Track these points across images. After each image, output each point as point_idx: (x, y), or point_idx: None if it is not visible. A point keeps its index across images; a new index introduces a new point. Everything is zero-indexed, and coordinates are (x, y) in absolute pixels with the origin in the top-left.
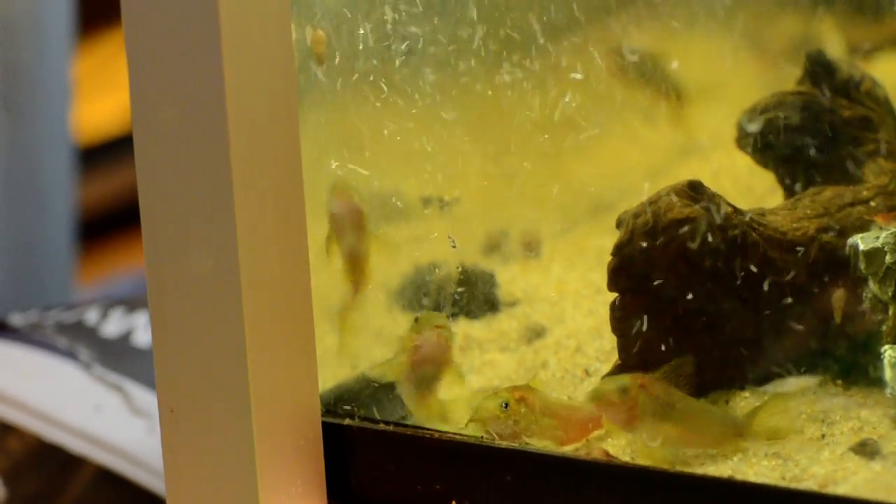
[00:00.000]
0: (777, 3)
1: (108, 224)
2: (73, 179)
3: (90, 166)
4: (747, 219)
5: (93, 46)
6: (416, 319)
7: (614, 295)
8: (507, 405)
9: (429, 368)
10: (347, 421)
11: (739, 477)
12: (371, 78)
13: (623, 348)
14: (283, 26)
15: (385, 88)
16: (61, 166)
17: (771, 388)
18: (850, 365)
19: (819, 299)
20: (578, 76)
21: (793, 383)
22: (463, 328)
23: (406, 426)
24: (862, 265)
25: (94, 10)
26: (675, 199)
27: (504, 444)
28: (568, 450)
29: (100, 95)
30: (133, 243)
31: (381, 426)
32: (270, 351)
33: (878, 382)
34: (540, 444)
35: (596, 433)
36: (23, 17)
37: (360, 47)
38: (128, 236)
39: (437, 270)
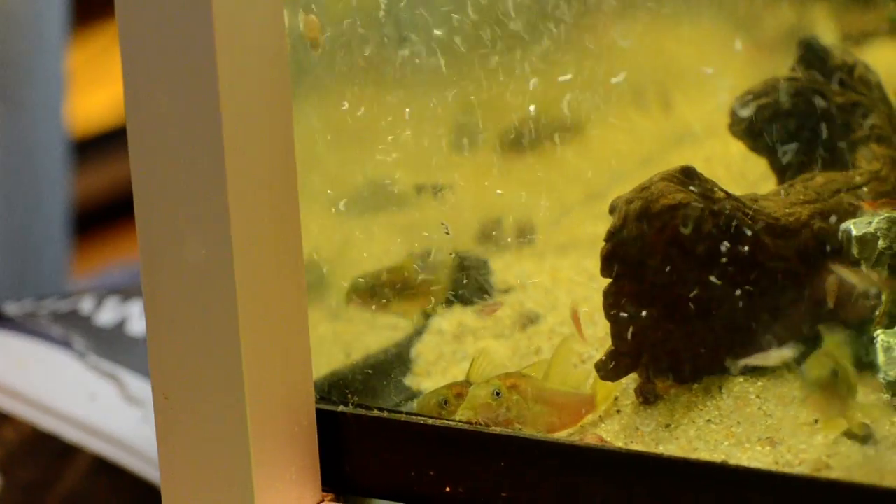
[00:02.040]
0: None
1: (103, 216)
2: (67, 171)
3: (85, 158)
4: (740, 204)
5: (87, 39)
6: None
7: (608, 281)
8: (498, 393)
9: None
10: (341, 408)
11: (732, 462)
12: (364, 64)
13: (616, 334)
14: (276, 12)
15: (377, 74)
16: (56, 158)
17: (752, 361)
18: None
19: (812, 285)
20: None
21: (774, 356)
22: (457, 315)
23: (400, 413)
24: (855, 250)
25: (88, 3)
26: (668, 184)
27: (498, 430)
28: (562, 435)
29: (94, 88)
30: (127, 235)
31: (376, 413)
32: (264, 338)
33: (870, 367)
34: (533, 430)
35: (589, 417)
36: (17, 10)
37: (353, 33)
38: (122, 228)
39: (430, 257)
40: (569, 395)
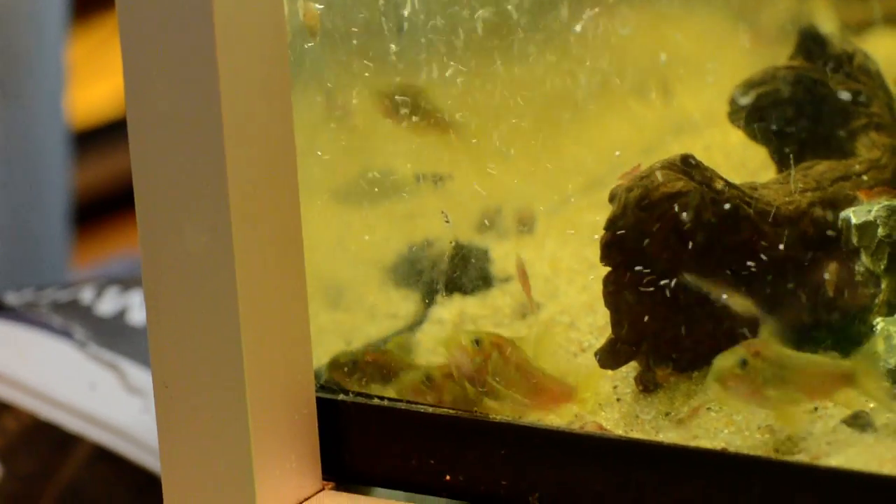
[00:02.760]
0: None
1: (103, 207)
2: (68, 162)
3: (85, 149)
4: (739, 193)
5: (87, 31)
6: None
7: (607, 269)
8: (478, 342)
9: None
10: (342, 396)
11: (732, 449)
12: (364, 52)
13: (616, 323)
14: (276, 1)
15: (378, 63)
16: (56, 150)
17: None
18: (842, 338)
19: (811, 273)
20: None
21: None
22: (457, 304)
23: (400, 401)
24: (854, 238)
25: None
26: (667, 172)
27: (499, 418)
28: (562, 424)
29: (94, 80)
30: (127, 227)
31: (376, 401)
32: (264, 327)
33: (870, 355)
34: (503, 400)
35: (566, 408)
36: (18, 3)
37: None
38: (122, 219)
39: (430, 246)
40: (554, 379)
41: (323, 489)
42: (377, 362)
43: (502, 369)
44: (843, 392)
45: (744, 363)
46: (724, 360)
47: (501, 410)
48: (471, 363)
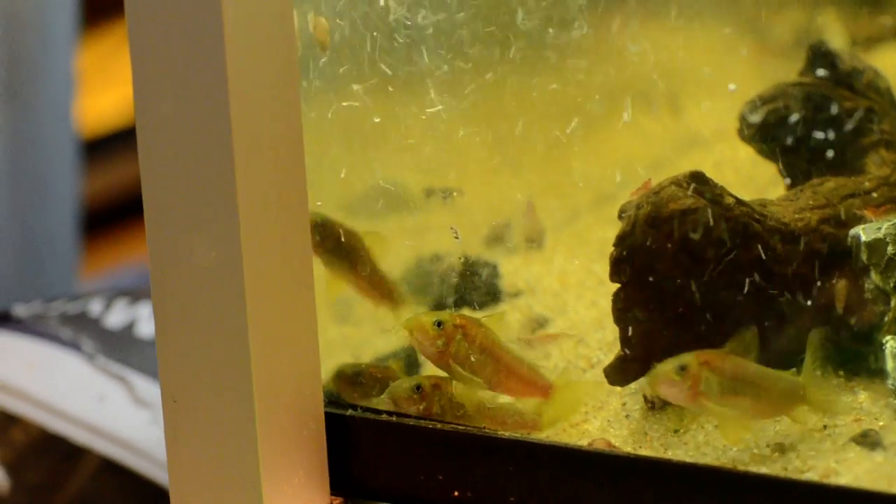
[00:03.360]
0: None
1: (112, 216)
2: (76, 171)
3: (94, 159)
4: (749, 210)
5: (96, 39)
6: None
7: (616, 286)
8: (440, 324)
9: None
10: (350, 412)
11: (741, 468)
12: (372, 67)
13: (625, 339)
14: (286, 14)
15: (386, 78)
16: (65, 158)
17: None
18: (851, 355)
19: (821, 290)
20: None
21: None
22: None
23: (409, 417)
24: (864, 256)
25: (98, 3)
26: (677, 189)
27: (507, 434)
28: (570, 440)
29: (103, 88)
30: (136, 236)
31: (384, 417)
32: (273, 341)
33: (879, 373)
34: (468, 383)
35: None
36: (27, 10)
37: (362, 36)
38: (131, 228)
39: (440, 261)
40: (529, 367)
41: None
42: (372, 374)
43: (465, 350)
44: (801, 409)
45: (681, 369)
46: (665, 365)
47: (468, 395)
48: (432, 346)
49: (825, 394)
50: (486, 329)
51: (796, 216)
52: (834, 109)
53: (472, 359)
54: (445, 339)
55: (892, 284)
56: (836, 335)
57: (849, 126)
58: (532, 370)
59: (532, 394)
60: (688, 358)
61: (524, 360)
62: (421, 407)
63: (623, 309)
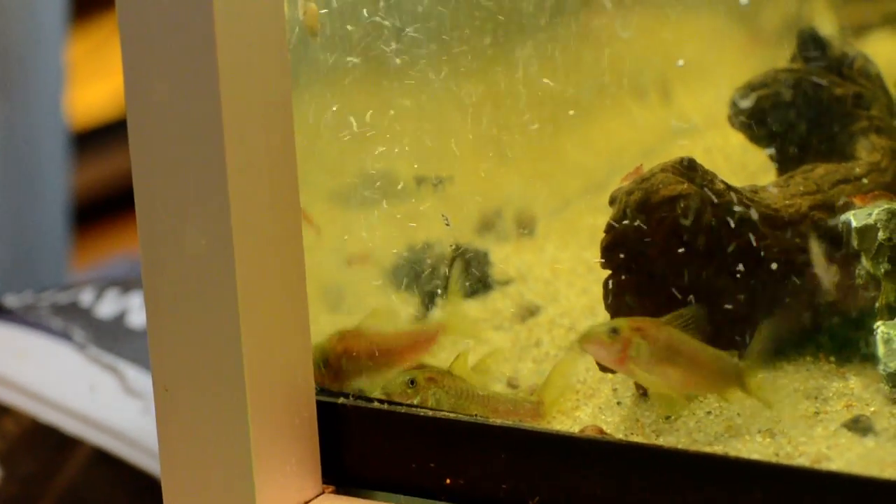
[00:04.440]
0: None
1: (102, 208)
2: (67, 163)
3: (84, 150)
4: (740, 196)
5: (86, 31)
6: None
7: (607, 273)
8: (413, 382)
9: None
10: (342, 400)
11: (733, 453)
12: (364, 55)
13: None
14: (276, 1)
15: (378, 66)
16: (55, 150)
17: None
18: (842, 341)
19: (811, 276)
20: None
21: None
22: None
23: (400, 405)
24: (855, 241)
25: None
26: (668, 175)
27: (499, 422)
28: (562, 428)
29: (93, 80)
30: (126, 226)
31: (376, 405)
32: (265, 330)
33: (870, 358)
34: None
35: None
36: (16, 2)
37: (355, 24)
38: (122, 220)
39: (430, 249)
40: (509, 401)
41: (323, 493)
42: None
43: (445, 401)
44: (733, 390)
45: (613, 331)
46: (598, 326)
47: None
48: (411, 401)
49: (761, 381)
50: (456, 377)
51: (787, 202)
52: (824, 95)
53: (456, 406)
54: (421, 394)
55: (882, 270)
56: (826, 321)
57: (839, 112)
58: (519, 401)
59: (535, 418)
60: (621, 322)
61: (507, 396)
62: (416, 401)
63: (614, 295)
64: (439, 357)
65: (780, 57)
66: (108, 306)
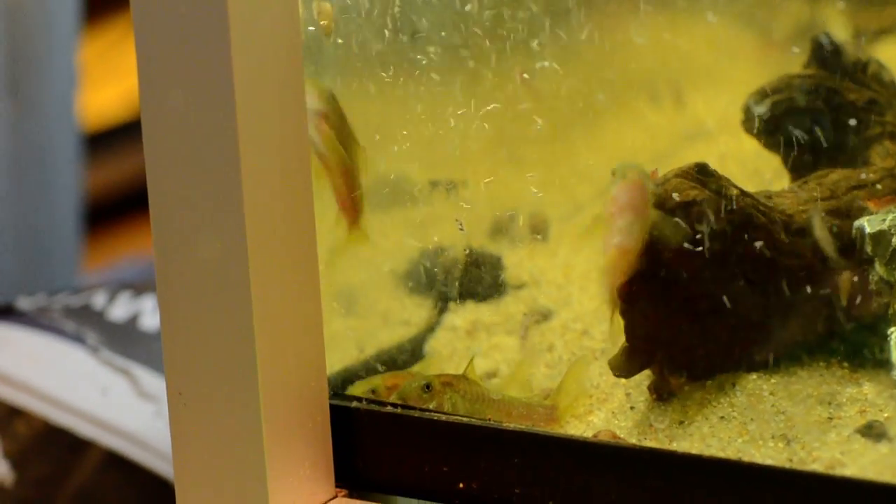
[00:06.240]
0: None
1: (115, 210)
2: (79, 165)
3: (97, 152)
4: (754, 201)
5: (98, 33)
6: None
7: None
8: (429, 386)
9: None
10: (355, 404)
11: (746, 459)
12: (377, 58)
13: (630, 331)
14: (291, 1)
15: (391, 70)
16: (68, 152)
17: None
18: (856, 347)
19: (825, 282)
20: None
21: None
22: (470, 311)
23: (413, 408)
24: (868, 247)
25: None
26: (682, 181)
27: (512, 426)
28: (575, 432)
29: (106, 81)
30: (139, 230)
31: (389, 409)
32: (278, 334)
33: (884, 364)
34: None
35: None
36: (29, 4)
37: (367, 27)
38: (134, 222)
39: (443, 253)
40: (524, 405)
41: (336, 496)
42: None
43: (461, 406)
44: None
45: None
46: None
47: None
48: (426, 406)
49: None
50: (472, 382)
51: (801, 208)
52: (838, 101)
53: (471, 410)
54: (438, 399)
55: None
56: (840, 326)
57: (853, 118)
58: (534, 406)
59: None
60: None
61: (522, 400)
62: (432, 405)
63: (628, 301)
64: (453, 362)
65: (794, 63)
66: (120, 309)
